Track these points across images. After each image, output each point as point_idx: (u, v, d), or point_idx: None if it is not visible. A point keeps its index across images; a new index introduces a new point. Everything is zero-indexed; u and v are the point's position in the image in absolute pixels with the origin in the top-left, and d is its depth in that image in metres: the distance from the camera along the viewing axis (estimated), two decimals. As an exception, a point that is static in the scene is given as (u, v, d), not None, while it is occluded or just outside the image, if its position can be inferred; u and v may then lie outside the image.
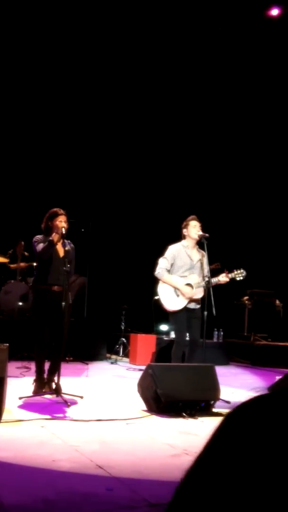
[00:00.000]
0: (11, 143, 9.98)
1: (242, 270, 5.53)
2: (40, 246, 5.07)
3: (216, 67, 10.25)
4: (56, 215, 5.11)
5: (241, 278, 5.54)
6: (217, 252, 5.99)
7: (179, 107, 10.62)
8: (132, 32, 9.50)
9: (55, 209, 5.20)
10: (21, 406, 4.58)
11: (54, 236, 5.01)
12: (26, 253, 8.74)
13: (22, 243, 8.75)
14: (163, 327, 8.74)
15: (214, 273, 5.54)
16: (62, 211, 5.16)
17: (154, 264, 5.67)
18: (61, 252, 5.06)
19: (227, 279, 5.49)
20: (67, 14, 9.19)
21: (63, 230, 5.00)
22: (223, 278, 5.47)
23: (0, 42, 9.17)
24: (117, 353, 8.80)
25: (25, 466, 3.02)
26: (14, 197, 9.75)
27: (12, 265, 8.90)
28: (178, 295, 5.50)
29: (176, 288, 5.49)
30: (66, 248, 5.08)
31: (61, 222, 5.02)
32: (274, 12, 9.41)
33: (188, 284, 5.48)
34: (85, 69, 10.02)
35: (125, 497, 2.65)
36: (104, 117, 10.47)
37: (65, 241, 5.16)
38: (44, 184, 9.88)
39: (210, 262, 5.66)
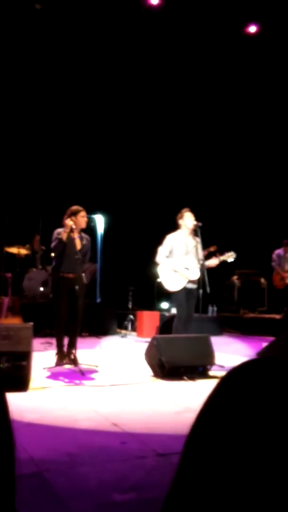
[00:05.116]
0: (28, 143, 9.82)
1: (232, 252, 5.53)
2: (54, 243, 5.06)
3: (206, 74, 10.14)
4: (78, 211, 5.08)
5: (232, 259, 5.54)
6: (209, 238, 5.96)
7: (172, 111, 10.51)
8: (136, 45, 9.28)
9: (75, 207, 5.13)
10: (45, 376, 4.60)
11: (63, 234, 4.98)
12: (43, 247, 8.69)
13: (38, 237, 8.70)
14: (164, 305, 8.74)
15: (207, 256, 5.53)
16: (81, 208, 5.13)
17: (155, 251, 5.66)
18: (76, 245, 4.96)
19: (217, 262, 5.54)
20: (71, 17, 8.78)
21: (73, 226, 4.94)
22: (213, 261, 5.52)
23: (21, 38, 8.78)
24: (126, 328, 8.81)
25: (50, 425, 3.05)
26: (31, 194, 9.65)
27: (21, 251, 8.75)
28: (177, 277, 5.49)
29: (175, 271, 5.49)
30: (83, 242, 5.04)
31: (70, 221, 4.94)
32: (252, 29, 9.25)
33: (186, 268, 5.47)
34: (102, 69, 9.68)
35: (137, 448, 2.67)
36: (109, 120, 10.33)
37: (82, 234, 5.12)
38: (57, 184, 9.80)
39: (205, 247, 5.65)
